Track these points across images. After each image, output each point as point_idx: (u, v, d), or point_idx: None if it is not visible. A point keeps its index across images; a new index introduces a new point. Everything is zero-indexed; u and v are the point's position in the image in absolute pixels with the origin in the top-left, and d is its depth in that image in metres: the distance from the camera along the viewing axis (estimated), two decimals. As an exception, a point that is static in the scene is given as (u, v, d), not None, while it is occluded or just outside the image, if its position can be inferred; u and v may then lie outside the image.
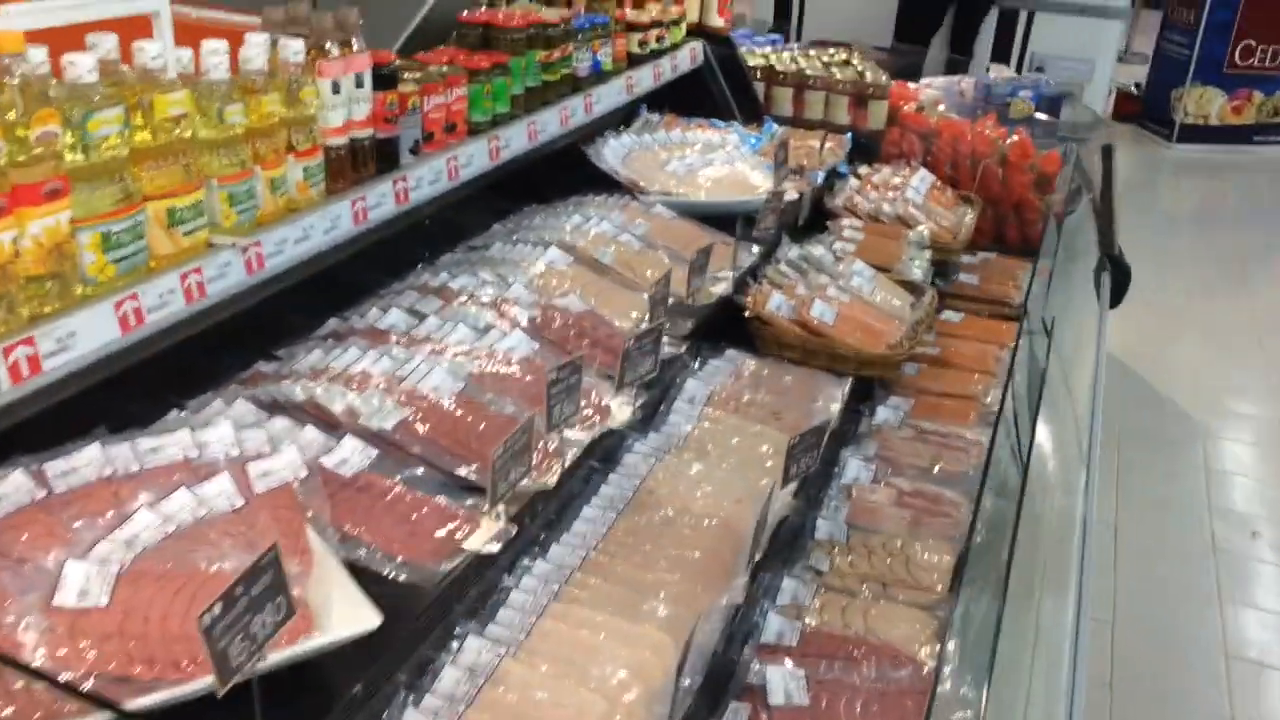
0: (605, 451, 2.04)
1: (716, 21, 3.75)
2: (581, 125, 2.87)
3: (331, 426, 1.74)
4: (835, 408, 2.34)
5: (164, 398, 1.83)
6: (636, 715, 1.42)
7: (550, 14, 2.71)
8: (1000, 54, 8.12)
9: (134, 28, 1.75)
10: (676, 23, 3.45)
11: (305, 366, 1.91)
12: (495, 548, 1.58)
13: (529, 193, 2.96)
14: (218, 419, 1.60)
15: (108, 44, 1.57)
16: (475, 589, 1.59)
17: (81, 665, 1.20)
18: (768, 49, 4.32)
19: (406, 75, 2.19)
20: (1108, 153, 3.89)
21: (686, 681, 1.49)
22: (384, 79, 2.08)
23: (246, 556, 1.36)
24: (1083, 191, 4.03)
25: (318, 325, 2.19)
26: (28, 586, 1.29)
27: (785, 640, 1.80)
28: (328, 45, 1.96)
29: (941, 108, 4.22)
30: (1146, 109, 9.89)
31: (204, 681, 1.19)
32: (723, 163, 3.18)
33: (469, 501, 1.66)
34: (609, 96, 3.00)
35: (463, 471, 1.71)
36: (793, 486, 2.05)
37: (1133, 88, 10.08)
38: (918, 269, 3.03)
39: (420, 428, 1.75)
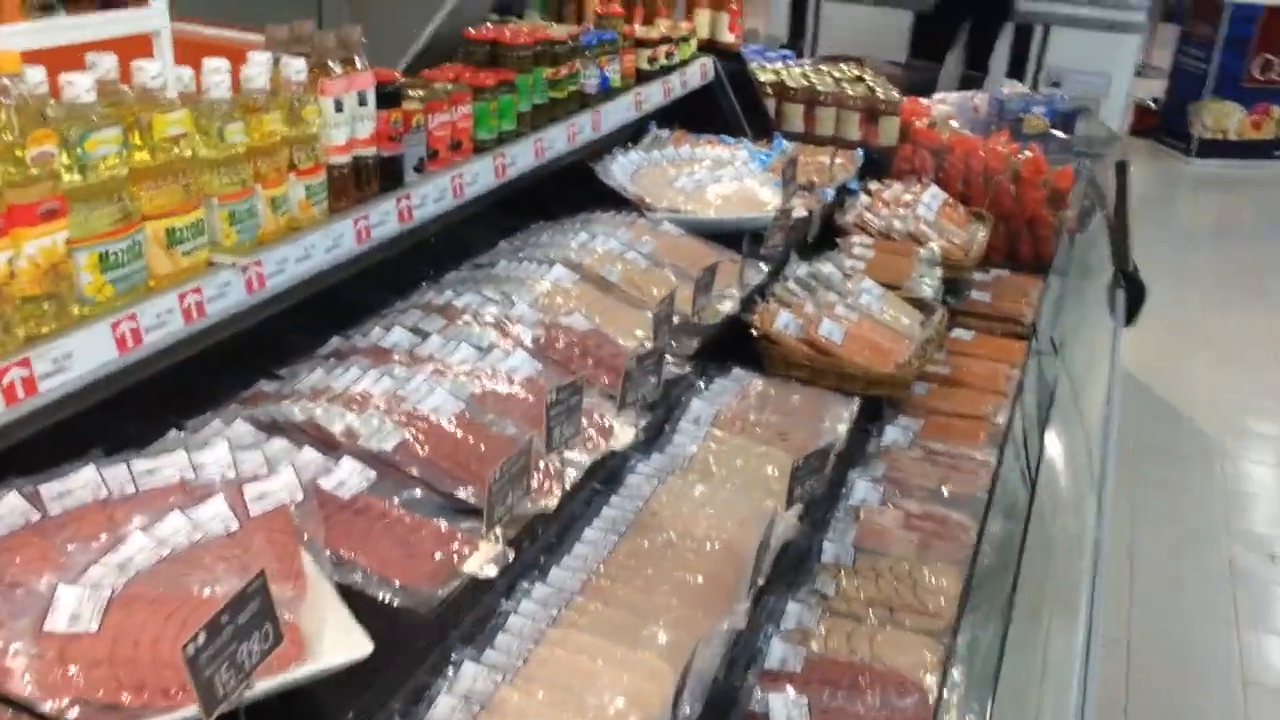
0: (609, 472, 2.02)
1: (727, 37, 3.74)
2: (589, 142, 2.87)
3: (330, 447, 1.72)
4: (842, 428, 2.32)
5: (163, 418, 1.82)
6: (634, 744, 1.39)
7: (558, 31, 2.70)
8: (1016, 69, 8.08)
9: (137, 47, 1.74)
10: (686, 39, 3.44)
11: (306, 386, 1.90)
12: (492, 572, 1.56)
13: (537, 210, 2.95)
14: (214, 440, 1.58)
15: (107, 63, 1.56)
16: (472, 614, 1.57)
17: (70, 692, 1.19)
18: (779, 64, 4.31)
19: (411, 93, 2.19)
20: (1122, 169, 3.86)
21: (686, 709, 1.47)
22: (388, 97, 2.07)
23: (240, 581, 1.34)
24: (1096, 208, 3.99)
25: (321, 344, 2.18)
26: (19, 611, 1.27)
27: (789, 667, 1.77)
28: (331, 64, 1.96)
29: (955, 123, 4.20)
30: (1164, 123, 9.83)
31: (193, 709, 1.17)
32: (732, 179, 3.16)
33: (467, 524, 1.64)
34: (617, 113, 2.99)
35: (462, 494, 1.69)
36: (798, 509, 2.02)
37: (1150, 102, 10.03)
38: (928, 287, 3.00)
39: (419, 449, 1.73)
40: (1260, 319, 6.44)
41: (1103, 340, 3.42)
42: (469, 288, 2.36)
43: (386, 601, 1.47)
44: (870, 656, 1.85)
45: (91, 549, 1.37)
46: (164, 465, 1.51)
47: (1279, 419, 5.27)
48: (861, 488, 2.33)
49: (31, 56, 1.49)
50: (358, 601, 1.45)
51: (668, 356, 2.26)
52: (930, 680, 1.77)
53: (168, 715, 1.19)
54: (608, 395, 2.07)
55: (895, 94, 3.96)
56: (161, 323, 1.60)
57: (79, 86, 1.45)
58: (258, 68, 1.78)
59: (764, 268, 2.79)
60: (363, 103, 2.00)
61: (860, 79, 4.11)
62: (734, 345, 2.57)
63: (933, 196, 3.52)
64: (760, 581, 1.80)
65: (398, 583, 1.49)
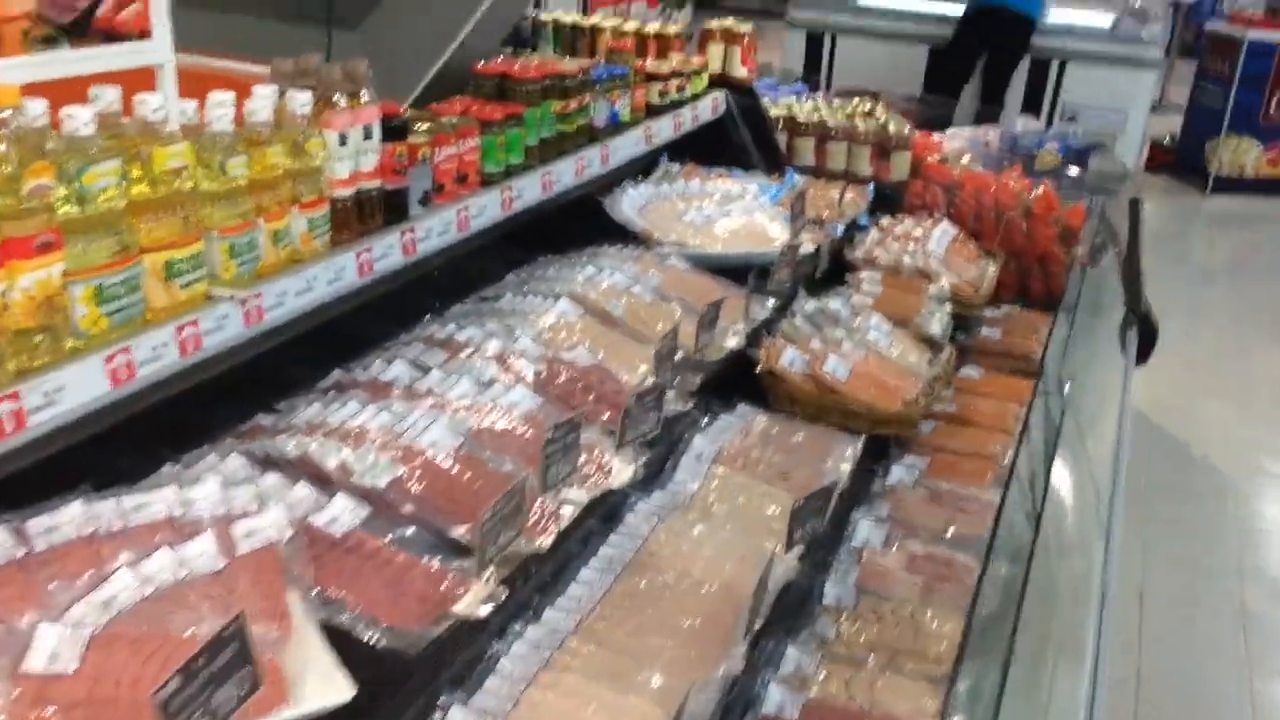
0: (608, 510, 2.00)
1: (740, 72, 3.74)
2: (598, 175, 2.86)
3: (325, 483, 1.71)
4: (846, 467, 2.29)
5: (159, 451, 1.81)
6: (623, 794, 1.37)
7: (567, 65, 2.70)
8: (1032, 104, 8.08)
9: (142, 80, 1.75)
10: (698, 73, 3.44)
11: (303, 420, 1.89)
12: (483, 612, 1.54)
13: (545, 243, 2.94)
14: (205, 476, 1.57)
15: (109, 96, 1.57)
16: (462, 655, 1.55)
17: (47, 733, 1.17)
18: (791, 99, 4.31)
19: (417, 126, 2.19)
20: (1135, 206, 3.83)
21: (678, 757, 1.44)
22: (393, 130, 2.07)
23: (223, 620, 1.32)
24: (1109, 245, 3.97)
25: (322, 376, 2.17)
26: None
27: (785, 713, 1.74)
28: (336, 97, 1.96)
29: (967, 159, 4.19)
30: (1181, 160, 9.80)
31: (171, 754, 1.15)
32: (741, 214, 3.15)
33: (461, 563, 1.62)
34: (627, 147, 2.99)
35: (456, 532, 1.67)
36: (799, 550, 2.00)
37: (1167, 138, 10.00)
38: (937, 324, 2.98)
39: (414, 486, 1.71)
40: (1276, 357, 6.38)
41: (1114, 379, 3.38)
42: (472, 321, 2.35)
43: (374, 642, 1.45)
44: (870, 703, 1.82)
45: (75, 586, 1.35)
46: (153, 501, 1.49)
47: (1294, 459, 5.21)
48: (865, 528, 2.30)
49: (35, 89, 1.50)
50: (345, 642, 1.43)
51: (670, 393, 2.24)
52: (929, 729, 1.74)
53: (146, 758, 1.17)
54: (609, 431, 2.05)
55: (907, 129, 3.95)
56: (156, 356, 1.59)
57: (78, 119, 1.45)
58: (261, 101, 1.78)
59: (770, 303, 2.77)
60: (367, 136, 2.00)
61: (872, 114, 4.10)
62: (739, 381, 2.55)
63: (943, 232, 3.51)
64: (758, 624, 1.77)
65: (385, 623, 1.47)
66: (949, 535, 2.31)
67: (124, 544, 1.44)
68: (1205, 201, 9.31)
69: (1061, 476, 2.68)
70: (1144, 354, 3.67)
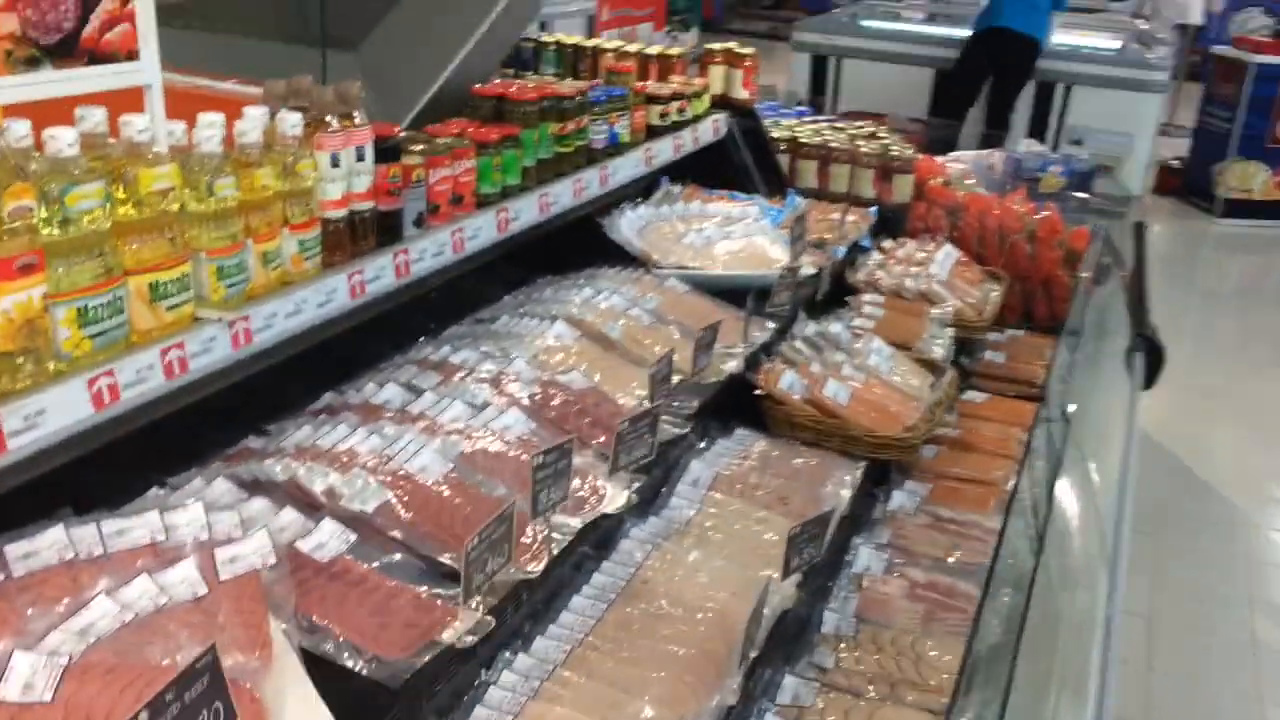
0: (602, 535, 1.96)
1: (741, 94, 3.73)
2: (597, 197, 2.84)
3: (312, 507, 1.68)
4: (845, 493, 2.26)
5: (146, 475, 1.78)
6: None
7: (565, 87, 2.69)
8: (1038, 127, 8.06)
9: (130, 100, 1.73)
10: (699, 95, 3.43)
11: (292, 443, 1.86)
12: (470, 642, 1.51)
13: (545, 263, 2.93)
14: (189, 501, 1.54)
15: (96, 117, 1.55)
16: (449, 685, 1.52)
17: (17, 765, 1.14)
18: (794, 121, 4.30)
19: (412, 147, 2.17)
20: (1139, 230, 3.80)
21: (668, 792, 1.40)
22: (387, 152, 2.06)
23: (212, 642, 1.30)
24: (1114, 268, 3.93)
25: (315, 398, 2.15)
26: (-27, 677, 1.23)
27: (781, 744, 1.70)
28: (329, 118, 1.94)
29: (970, 182, 4.16)
30: (1188, 183, 9.76)
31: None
32: (741, 236, 3.13)
33: (449, 590, 1.59)
34: (626, 168, 2.97)
35: (445, 558, 1.64)
36: (797, 577, 1.96)
37: (1174, 161, 9.97)
38: (939, 348, 2.95)
39: (403, 510, 1.68)
40: (1286, 382, 6.33)
41: (1119, 404, 3.34)
42: (467, 343, 2.33)
43: (358, 672, 1.42)
44: (868, 735, 1.78)
45: (53, 613, 1.32)
46: (135, 526, 1.47)
47: (1305, 486, 5.15)
48: (865, 555, 2.27)
49: (22, 110, 1.48)
50: (328, 671, 1.40)
51: (667, 416, 2.21)
52: (928, 763, 1.70)
53: (118, 793, 1.14)
54: (603, 455, 2.02)
55: (910, 151, 3.93)
56: (141, 379, 1.57)
57: (61, 140, 1.43)
58: (251, 122, 1.77)
59: (770, 326, 2.74)
60: (360, 158, 1.98)
61: (875, 136, 4.09)
62: (738, 404, 2.52)
63: (946, 255, 3.48)
64: (752, 654, 1.73)
65: (370, 652, 1.44)
66: (951, 563, 2.27)
67: (104, 570, 1.41)
68: (1213, 225, 9.27)
69: (1066, 503, 2.64)
70: (1150, 379, 3.63)
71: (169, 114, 1.78)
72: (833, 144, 3.94)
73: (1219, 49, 9.87)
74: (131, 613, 1.35)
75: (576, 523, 1.82)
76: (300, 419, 2.00)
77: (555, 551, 1.75)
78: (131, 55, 1.63)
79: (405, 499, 1.71)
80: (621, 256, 2.95)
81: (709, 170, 3.56)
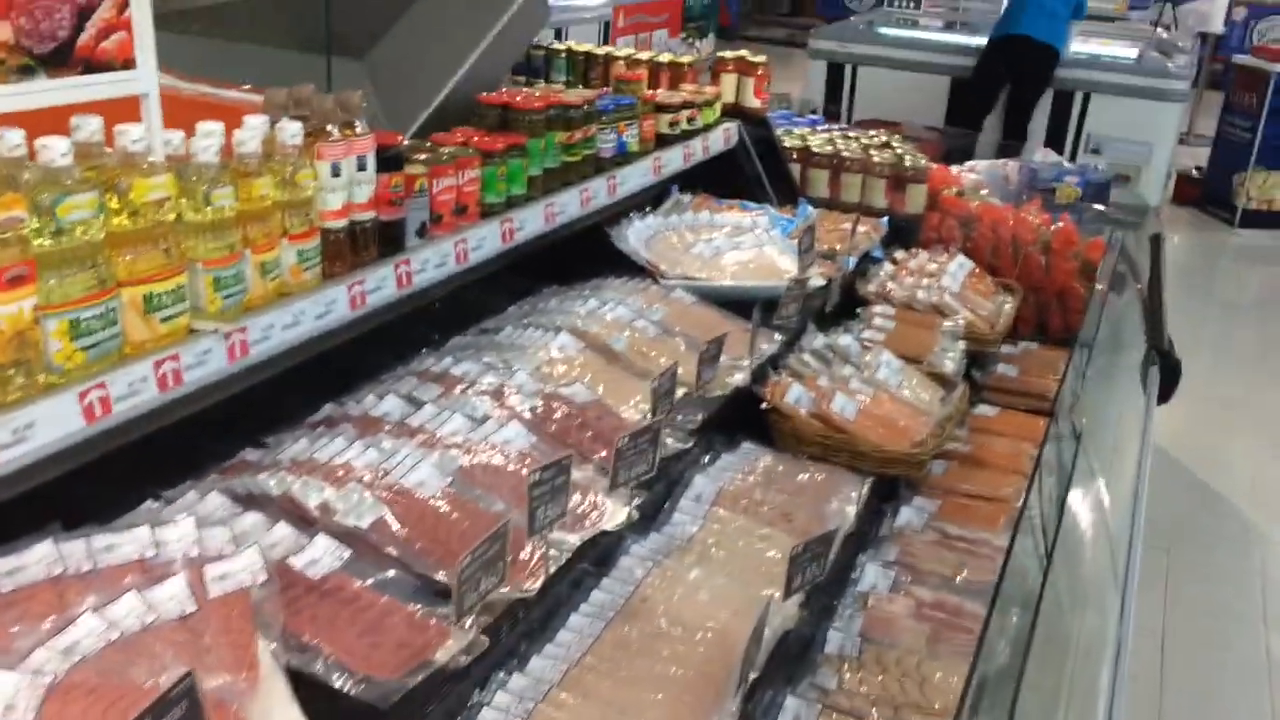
0: (601, 552, 1.93)
1: (753, 102, 3.70)
2: (604, 206, 2.82)
3: (307, 522, 1.66)
4: (851, 510, 2.22)
5: (141, 486, 1.77)
6: None
7: (572, 95, 2.67)
8: (1055, 136, 8.01)
9: (128, 109, 1.72)
10: (710, 103, 3.40)
11: (288, 456, 1.84)
12: (463, 662, 1.48)
13: (553, 273, 2.90)
14: (180, 516, 1.52)
15: (91, 126, 1.53)
16: (441, 706, 1.49)
17: (-4, 788, 1.12)
18: (806, 129, 4.26)
19: (416, 156, 2.15)
20: (1156, 242, 3.76)
21: (662, 819, 1.37)
22: (389, 161, 2.04)
23: (190, 668, 1.27)
24: (1130, 281, 3.89)
25: (315, 409, 2.13)
26: (-45, 697, 1.21)
27: (781, 769, 1.67)
28: (330, 127, 1.93)
29: (984, 192, 4.12)
30: (1208, 193, 9.68)
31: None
32: (751, 246, 3.10)
33: (443, 609, 1.56)
34: (634, 178, 2.95)
35: (440, 575, 1.62)
36: (799, 597, 1.93)
37: (1194, 171, 9.89)
38: (950, 361, 2.91)
39: (398, 526, 1.66)
40: (1306, 396, 6.26)
41: (1134, 418, 3.30)
42: (470, 355, 2.31)
43: (346, 693, 1.39)
44: (870, 760, 1.74)
45: (39, 631, 1.31)
46: (124, 542, 1.45)
47: (1325, 501, 5.08)
48: (872, 573, 2.23)
49: (13, 119, 1.47)
50: (316, 692, 1.38)
51: (670, 431, 2.18)
52: (931, 789, 1.67)
53: (97, 817, 1.12)
54: (604, 470, 1.99)
55: (922, 161, 3.89)
56: (134, 391, 1.55)
57: (54, 150, 1.42)
58: (250, 131, 1.75)
59: (778, 338, 2.71)
60: (361, 167, 1.96)
61: (887, 145, 4.05)
62: (745, 418, 2.49)
63: (959, 266, 3.44)
64: (752, 676, 1.70)
65: (360, 673, 1.41)
66: (959, 582, 2.23)
67: (91, 586, 1.39)
68: (1233, 235, 9.18)
69: (1077, 520, 2.59)
70: (1166, 393, 3.58)
71: (172, 121, 1.77)
72: (844, 153, 3.90)
73: (1240, 58, 9.80)
74: (117, 631, 1.33)
75: (575, 540, 1.80)
76: (298, 431, 1.98)
77: (553, 569, 1.72)
78: (128, 64, 1.62)
79: (401, 514, 1.68)
80: (629, 266, 2.93)
81: (720, 179, 3.54)
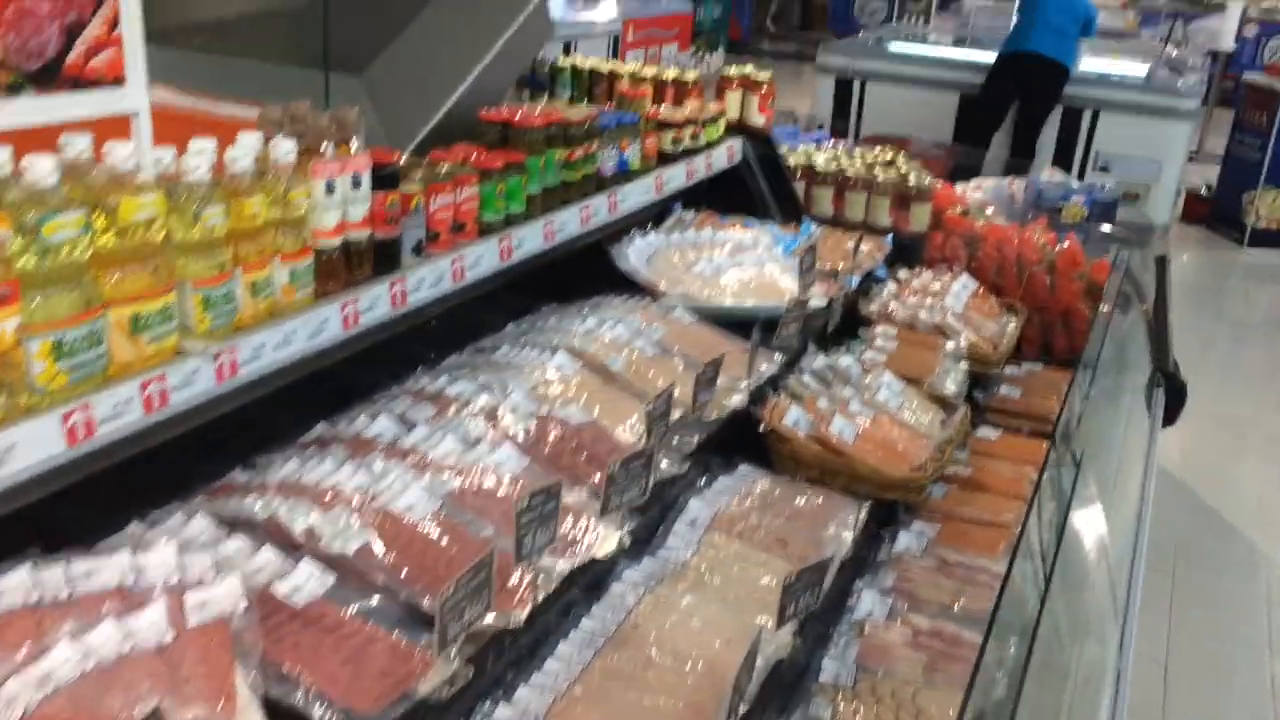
0: (593, 577, 1.91)
1: (757, 119, 3.68)
2: (605, 224, 2.80)
3: (292, 547, 1.64)
4: (848, 536, 2.19)
5: (128, 508, 1.75)
6: None
7: (573, 113, 2.65)
8: (1064, 154, 7.98)
9: (121, 126, 1.70)
10: (714, 120, 3.38)
11: (276, 479, 1.82)
12: (446, 694, 1.46)
13: (554, 291, 2.88)
14: (161, 541, 1.50)
15: (79, 144, 1.52)
16: (423, 739, 1.47)
17: (-37, 822, 1.10)
18: (810, 146, 4.24)
19: (413, 174, 2.13)
20: (1162, 263, 3.73)
21: None
22: (384, 179, 2.02)
23: (165, 699, 1.25)
24: (1135, 301, 3.85)
25: (307, 429, 2.11)
26: (-75, 727, 1.19)
27: (771, 803, 1.64)
28: (325, 145, 1.91)
29: (990, 210, 4.10)
30: (1217, 211, 9.64)
31: None
32: (752, 264, 3.08)
33: (427, 638, 1.54)
34: (636, 195, 2.92)
35: (426, 602, 1.59)
36: (793, 624, 1.90)
37: (1204, 189, 9.85)
38: (952, 382, 2.88)
39: (384, 552, 1.64)
40: (1315, 418, 6.21)
41: (1138, 441, 3.27)
42: (465, 374, 2.28)
43: (326, 724, 1.37)
44: (862, 794, 1.71)
45: (13, 659, 1.28)
46: (104, 567, 1.43)
47: (1332, 525, 5.03)
48: (868, 599, 2.20)
49: (1, 138, 1.46)
50: (296, 723, 1.36)
51: (666, 454, 2.16)
52: (924, 827, 1.64)
53: None
54: (597, 495, 1.96)
55: (927, 179, 3.87)
56: (118, 413, 1.53)
57: (40, 169, 1.40)
58: (243, 149, 1.73)
59: (777, 358, 2.68)
60: (356, 185, 1.94)
61: (892, 164, 4.02)
62: (744, 439, 2.47)
63: (963, 286, 3.42)
64: (743, 708, 1.67)
65: (340, 704, 1.39)
66: (957, 609, 2.20)
67: (69, 614, 1.37)
68: (1242, 254, 9.14)
69: (1078, 545, 2.56)
70: (1171, 415, 3.55)
71: (168, 136, 1.75)
72: (848, 171, 3.88)
73: (1250, 76, 9.76)
74: (93, 660, 1.30)
75: (565, 566, 1.77)
76: (289, 452, 1.96)
77: (541, 597, 1.69)
78: (118, 81, 1.60)
79: (388, 539, 1.66)
80: (631, 284, 2.91)
81: (724, 196, 3.52)
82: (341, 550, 1.61)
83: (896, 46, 8.79)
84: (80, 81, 1.55)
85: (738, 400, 2.46)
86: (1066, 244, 3.79)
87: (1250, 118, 9.39)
